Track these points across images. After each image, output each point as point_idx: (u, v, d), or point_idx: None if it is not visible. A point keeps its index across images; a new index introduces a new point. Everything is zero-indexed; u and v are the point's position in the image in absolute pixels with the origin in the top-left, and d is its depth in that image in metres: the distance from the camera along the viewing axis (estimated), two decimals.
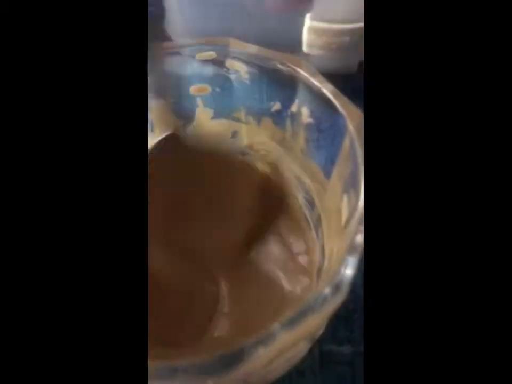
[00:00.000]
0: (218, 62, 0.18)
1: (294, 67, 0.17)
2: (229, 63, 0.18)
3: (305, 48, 0.30)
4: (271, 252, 0.23)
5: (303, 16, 0.28)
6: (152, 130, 0.21)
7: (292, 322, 0.13)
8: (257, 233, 0.23)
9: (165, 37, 0.36)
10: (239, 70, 0.18)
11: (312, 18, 0.28)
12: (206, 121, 0.21)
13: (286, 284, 0.22)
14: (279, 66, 0.18)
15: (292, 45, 0.29)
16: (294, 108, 0.18)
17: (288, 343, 0.13)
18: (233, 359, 0.13)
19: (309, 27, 0.28)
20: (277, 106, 0.19)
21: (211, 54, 0.18)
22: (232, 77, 0.19)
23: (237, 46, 0.18)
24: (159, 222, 0.22)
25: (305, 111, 0.18)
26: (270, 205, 0.23)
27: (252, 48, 0.18)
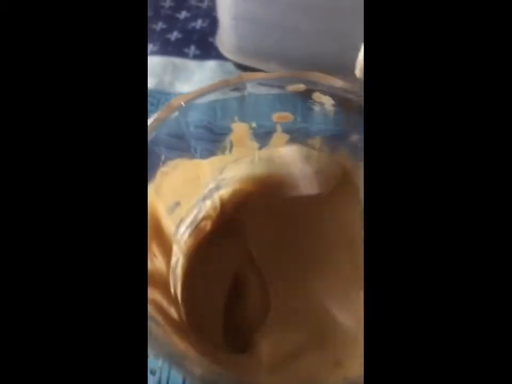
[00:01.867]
0: (305, 94, 0.19)
1: None
2: (316, 95, 0.19)
3: (358, 72, 0.31)
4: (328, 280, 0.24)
5: (358, 41, 0.30)
6: (230, 151, 0.22)
7: None
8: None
9: (216, 51, 0.37)
10: (325, 103, 0.20)
11: None
12: (279, 146, 0.22)
13: (338, 316, 0.23)
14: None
15: (344, 68, 0.30)
16: None
17: None
18: None
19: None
20: (355, 138, 0.20)
21: (301, 87, 0.19)
22: (316, 108, 0.20)
23: (325, 80, 0.19)
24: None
25: None
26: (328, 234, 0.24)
27: (339, 83, 0.19)
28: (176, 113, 0.19)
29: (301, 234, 0.24)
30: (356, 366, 0.18)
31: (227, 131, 0.21)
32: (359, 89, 0.20)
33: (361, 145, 0.20)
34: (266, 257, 0.24)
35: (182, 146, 0.20)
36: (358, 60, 0.30)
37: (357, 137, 0.20)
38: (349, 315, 0.22)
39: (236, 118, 0.20)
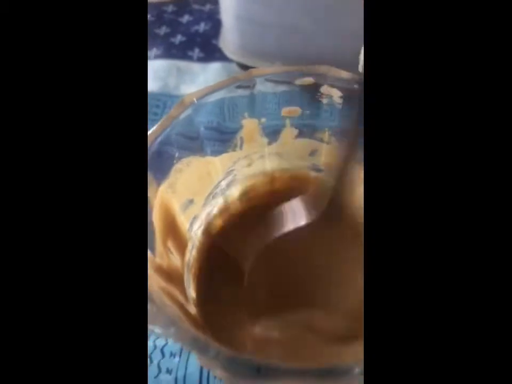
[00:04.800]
0: (314, 87, 0.20)
1: None
2: (324, 88, 0.20)
3: (361, 68, 0.31)
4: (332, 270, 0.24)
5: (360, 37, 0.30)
6: (241, 147, 0.22)
7: None
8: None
9: (219, 53, 0.37)
10: (333, 96, 0.20)
11: None
12: (289, 140, 0.22)
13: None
14: None
15: (347, 64, 0.30)
16: None
17: None
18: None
19: None
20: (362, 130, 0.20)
21: (310, 80, 0.19)
22: (325, 101, 0.20)
23: (334, 72, 0.19)
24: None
25: None
26: (335, 221, 0.24)
27: (347, 75, 0.19)
28: (190, 111, 0.19)
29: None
30: None
31: (237, 128, 0.21)
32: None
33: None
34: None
35: (194, 145, 0.20)
36: (360, 55, 0.31)
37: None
38: None
39: (246, 115, 0.21)
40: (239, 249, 0.25)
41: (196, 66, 0.38)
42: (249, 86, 0.20)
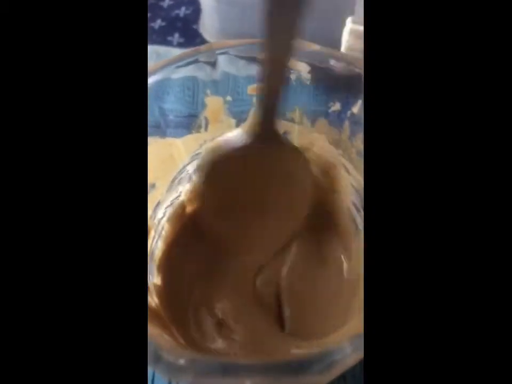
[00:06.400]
0: None
1: (361, 67, 0.17)
2: (291, 63, 0.18)
3: (343, 49, 0.30)
4: (312, 251, 0.23)
5: (344, 19, 0.29)
6: (206, 128, 0.21)
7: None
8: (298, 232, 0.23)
9: (200, 38, 0.36)
10: (301, 70, 0.18)
11: (354, 22, 0.28)
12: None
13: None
14: (343, 66, 0.17)
15: (330, 46, 0.29)
16: (355, 109, 0.18)
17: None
18: (299, 369, 0.13)
19: (350, 30, 0.28)
20: (336, 107, 0.19)
21: None
22: (293, 76, 0.19)
23: (301, 46, 0.18)
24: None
25: None
26: (314, 205, 0.23)
27: (316, 47, 0.18)
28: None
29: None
30: None
31: (200, 107, 0.20)
32: (343, 56, 0.19)
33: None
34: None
35: (152, 126, 0.19)
36: (343, 37, 0.29)
37: (337, 106, 0.19)
38: None
39: (208, 92, 0.19)
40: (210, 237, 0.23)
41: (175, 52, 0.36)
42: (211, 61, 0.18)
